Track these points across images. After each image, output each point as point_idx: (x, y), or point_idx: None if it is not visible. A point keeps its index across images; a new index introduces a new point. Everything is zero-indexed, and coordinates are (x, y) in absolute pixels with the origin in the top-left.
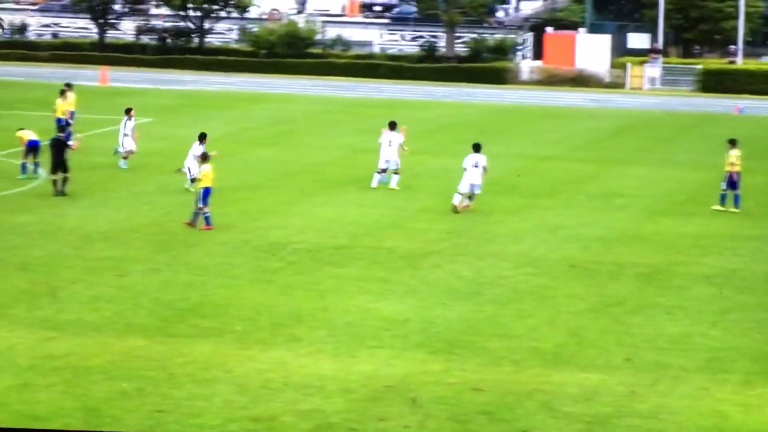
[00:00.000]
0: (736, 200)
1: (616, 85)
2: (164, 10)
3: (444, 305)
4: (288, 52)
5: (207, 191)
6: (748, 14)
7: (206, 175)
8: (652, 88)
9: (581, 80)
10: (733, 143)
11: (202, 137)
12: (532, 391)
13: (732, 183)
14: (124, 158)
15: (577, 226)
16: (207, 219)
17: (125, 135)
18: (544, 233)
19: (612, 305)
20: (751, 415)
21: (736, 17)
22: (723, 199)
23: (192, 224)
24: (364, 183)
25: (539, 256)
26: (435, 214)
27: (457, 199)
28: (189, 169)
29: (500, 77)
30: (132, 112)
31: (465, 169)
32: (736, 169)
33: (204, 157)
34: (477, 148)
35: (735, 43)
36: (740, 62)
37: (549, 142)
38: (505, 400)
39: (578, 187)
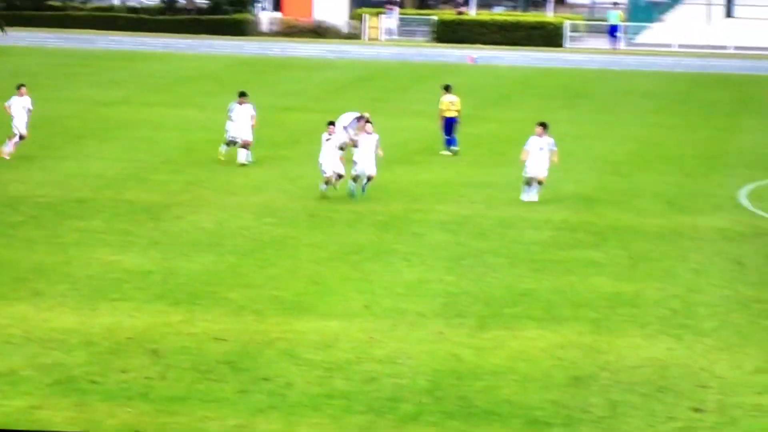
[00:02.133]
0: (451, 143)
1: (354, 36)
2: None
3: (186, 256)
4: (26, 3)
5: None
6: None
7: None
8: (389, 38)
9: (320, 31)
10: (447, 89)
11: None
12: (274, 339)
13: (447, 127)
14: None
15: (317, 176)
16: None
17: None
18: (285, 183)
19: (351, 253)
20: (485, 358)
21: None
22: (449, 143)
23: None
24: (104, 136)
25: (280, 206)
26: (176, 165)
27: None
28: None
29: (240, 29)
30: None
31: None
32: (450, 114)
33: None
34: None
35: None
36: (474, 13)
37: (289, 93)
38: (247, 349)
39: (318, 137)
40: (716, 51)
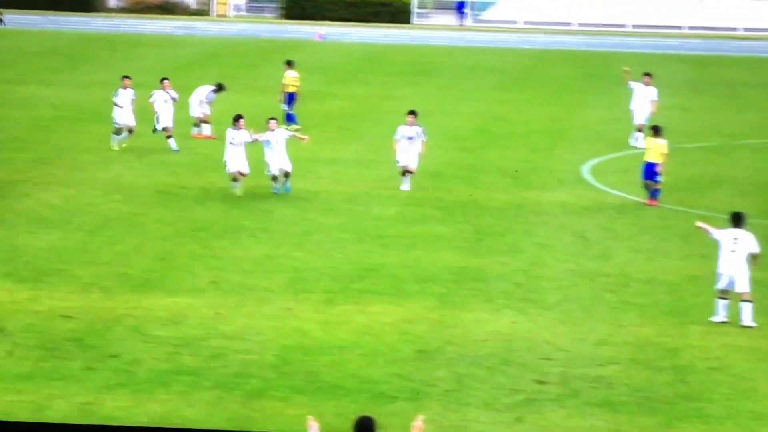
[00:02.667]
0: (290, 118)
1: (203, 12)
2: None
3: (32, 234)
4: None
5: None
6: None
7: None
8: (237, 15)
9: (168, 7)
10: (289, 64)
11: None
12: (121, 316)
13: (290, 102)
14: None
15: (164, 152)
16: None
17: None
18: (132, 160)
19: (199, 229)
20: (331, 333)
21: None
22: (289, 119)
23: None
24: None
25: (127, 183)
26: (22, 143)
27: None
28: None
29: (87, 4)
30: None
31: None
32: (292, 89)
33: None
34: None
35: None
36: None
37: (138, 70)
38: (95, 327)
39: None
40: (561, 28)
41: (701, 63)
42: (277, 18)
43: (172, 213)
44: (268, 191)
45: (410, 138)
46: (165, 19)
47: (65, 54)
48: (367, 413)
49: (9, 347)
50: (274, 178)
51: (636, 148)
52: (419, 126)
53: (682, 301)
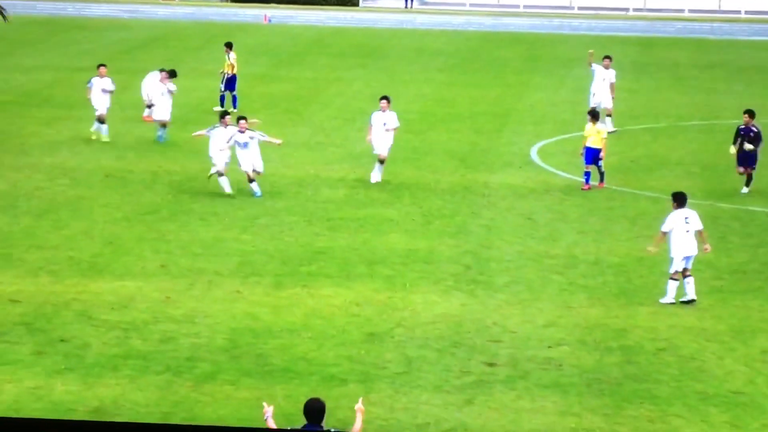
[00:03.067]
0: (233, 101)
1: None
2: None
3: None
4: None
5: None
6: None
7: None
8: None
9: None
10: (229, 46)
11: None
12: (70, 300)
13: (229, 84)
14: None
15: (111, 136)
16: None
17: None
18: (79, 144)
19: (147, 213)
20: (281, 316)
21: None
22: (226, 100)
23: None
24: None
25: (74, 167)
26: None
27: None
28: None
29: None
30: None
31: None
32: (230, 70)
33: None
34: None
35: None
36: None
37: (81, 53)
38: (43, 311)
39: (113, 97)
40: (508, 10)
41: (647, 44)
42: (224, 2)
43: (120, 197)
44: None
45: (384, 124)
46: (109, 2)
47: (9, 38)
48: (317, 396)
49: None
50: (251, 180)
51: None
52: (392, 111)
53: (630, 283)
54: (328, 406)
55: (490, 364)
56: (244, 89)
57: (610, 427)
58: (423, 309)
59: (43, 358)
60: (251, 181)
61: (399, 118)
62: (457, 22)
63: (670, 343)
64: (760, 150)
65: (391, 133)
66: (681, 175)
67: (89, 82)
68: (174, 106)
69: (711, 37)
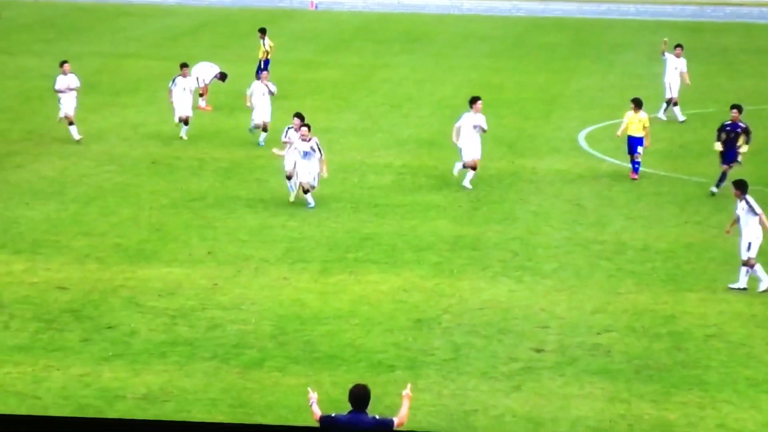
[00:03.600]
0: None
1: None
2: None
3: (27, 205)
4: None
5: None
6: None
7: None
8: None
9: None
10: (263, 32)
11: None
12: (117, 287)
13: (266, 66)
14: None
15: (158, 123)
16: None
17: None
18: (126, 131)
19: (194, 200)
20: (328, 302)
21: None
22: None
23: None
24: None
25: (121, 154)
26: (15, 114)
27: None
28: None
29: None
30: None
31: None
32: (264, 56)
33: None
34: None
35: None
36: None
37: (128, 40)
38: (90, 298)
39: (159, 84)
40: None
41: (695, 29)
42: None
43: (167, 183)
44: (262, 162)
45: (474, 126)
46: None
47: (57, 25)
48: (364, 382)
49: (6, 319)
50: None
51: (675, 120)
52: (482, 115)
53: (678, 269)
54: (376, 392)
55: (538, 351)
56: (290, 75)
57: (659, 414)
58: (470, 295)
59: (91, 345)
60: (306, 192)
61: (445, 105)
62: (504, 7)
63: (719, 329)
64: (748, 144)
65: (479, 136)
66: None
67: (172, 82)
68: (221, 92)
69: (761, 21)
